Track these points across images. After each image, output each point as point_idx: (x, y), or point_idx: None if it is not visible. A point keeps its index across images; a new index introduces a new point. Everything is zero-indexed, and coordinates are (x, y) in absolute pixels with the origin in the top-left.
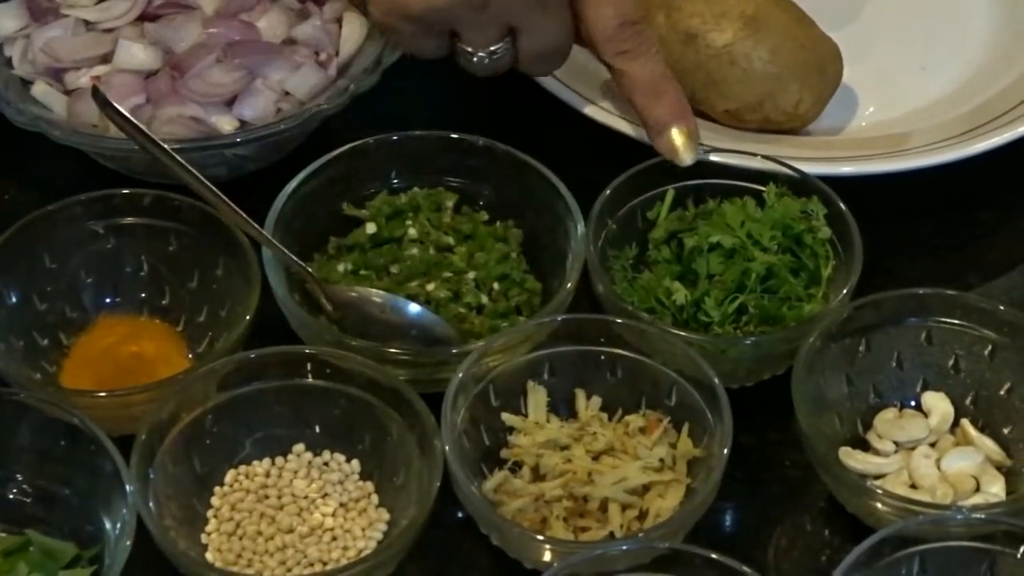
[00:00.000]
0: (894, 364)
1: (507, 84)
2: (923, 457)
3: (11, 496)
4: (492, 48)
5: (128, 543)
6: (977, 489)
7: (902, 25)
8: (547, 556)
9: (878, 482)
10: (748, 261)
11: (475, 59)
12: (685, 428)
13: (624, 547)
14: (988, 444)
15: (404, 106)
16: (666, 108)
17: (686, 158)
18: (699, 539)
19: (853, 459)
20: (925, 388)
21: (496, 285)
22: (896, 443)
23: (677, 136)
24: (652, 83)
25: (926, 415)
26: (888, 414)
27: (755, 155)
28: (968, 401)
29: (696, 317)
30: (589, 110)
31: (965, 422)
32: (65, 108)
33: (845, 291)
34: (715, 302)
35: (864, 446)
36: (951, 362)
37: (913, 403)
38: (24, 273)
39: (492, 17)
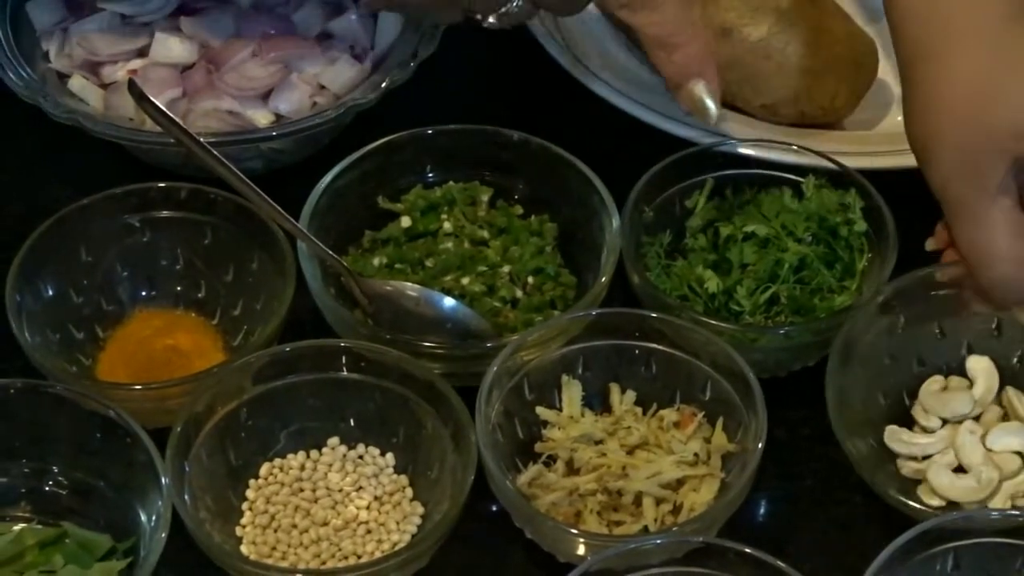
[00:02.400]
0: (936, 331)
1: (543, 79)
2: (968, 433)
3: (47, 488)
4: (503, 10)
5: (163, 535)
6: (1023, 467)
7: None
8: (581, 550)
9: (923, 464)
10: (782, 251)
11: (485, 24)
12: (719, 422)
13: (658, 541)
14: None
15: (439, 100)
16: (680, 63)
17: (710, 113)
18: (733, 533)
19: (899, 440)
20: (970, 352)
21: (531, 279)
22: (942, 419)
23: (697, 90)
24: (660, 37)
25: (971, 382)
26: (933, 384)
27: (795, 147)
28: (1015, 361)
29: (728, 306)
30: (624, 104)
31: (1010, 389)
32: (101, 102)
33: (878, 284)
34: (747, 291)
35: (910, 422)
36: (993, 324)
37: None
38: (60, 266)
39: None
